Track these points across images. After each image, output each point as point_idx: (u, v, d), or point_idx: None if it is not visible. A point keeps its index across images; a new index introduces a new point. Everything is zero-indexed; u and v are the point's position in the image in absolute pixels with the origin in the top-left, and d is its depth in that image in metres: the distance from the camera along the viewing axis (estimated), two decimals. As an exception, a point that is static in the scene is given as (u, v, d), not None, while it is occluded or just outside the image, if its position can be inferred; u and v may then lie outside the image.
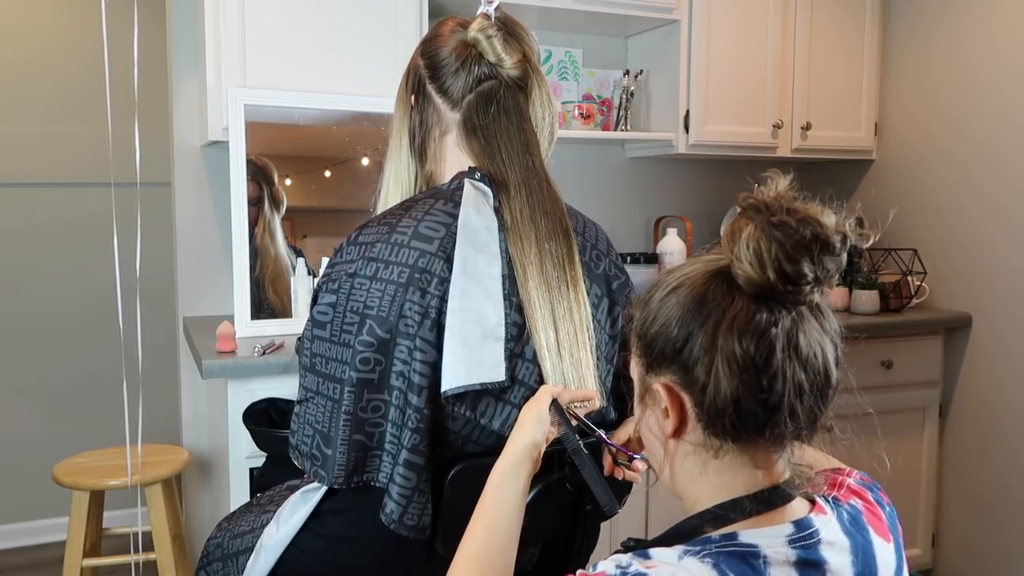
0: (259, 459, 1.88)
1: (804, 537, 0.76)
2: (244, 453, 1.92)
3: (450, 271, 1.07)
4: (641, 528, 2.43)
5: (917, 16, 2.92)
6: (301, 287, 2.21)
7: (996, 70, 2.67)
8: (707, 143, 2.75)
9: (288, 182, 2.28)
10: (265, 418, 1.63)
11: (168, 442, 2.49)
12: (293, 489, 1.29)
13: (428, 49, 1.19)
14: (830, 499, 0.82)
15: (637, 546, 0.79)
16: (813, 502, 0.81)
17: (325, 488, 1.15)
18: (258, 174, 2.19)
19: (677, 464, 0.82)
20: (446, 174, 1.19)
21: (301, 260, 2.24)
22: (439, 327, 1.05)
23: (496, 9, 1.17)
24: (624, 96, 2.77)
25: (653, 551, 0.76)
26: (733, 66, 2.76)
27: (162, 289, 2.89)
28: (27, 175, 3.16)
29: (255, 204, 2.17)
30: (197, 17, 2.33)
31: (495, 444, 1.10)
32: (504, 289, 1.08)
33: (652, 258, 2.74)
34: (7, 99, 3.12)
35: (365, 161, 2.34)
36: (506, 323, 1.08)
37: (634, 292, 1.28)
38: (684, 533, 0.79)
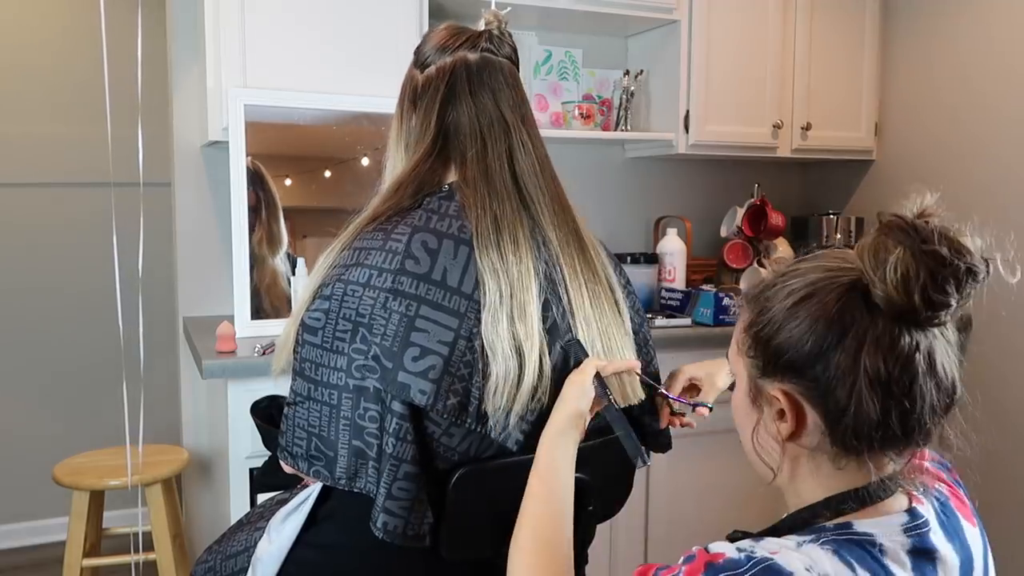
0: (259, 459, 1.88)
1: (918, 526, 0.78)
2: (244, 453, 1.92)
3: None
4: (641, 527, 2.43)
5: (917, 16, 2.92)
6: (301, 287, 2.21)
7: (996, 70, 2.67)
8: (707, 143, 2.75)
9: (288, 182, 2.28)
10: (267, 417, 1.62)
11: (168, 442, 2.49)
12: (282, 502, 1.28)
13: (417, 49, 1.20)
14: (921, 487, 0.83)
15: (745, 537, 0.80)
16: (909, 492, 0.82)
17: (316, 495, 1.15)
18: (253, 180, 2.18)
19: (791, 460, 0.83)
20: (442, 180, 1.18)
21: (301, 260, 2.24)
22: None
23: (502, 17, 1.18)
24: (624, 96, 2.77)
25: (767, 540, 0.77)
26: (733, 66, 2.76)
27: (162, 289, 2.89)
28: (27, 175, 3.16)
29: (252, 211, 2.17)
30: (197, 17, 2.33)
31: (494, 455, 1.10)
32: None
33: (652, 258, 2.74)
34: (7, 99, 3.12)
35: (365, 161, 2.34)
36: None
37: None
38: (797, 525, 0.81)
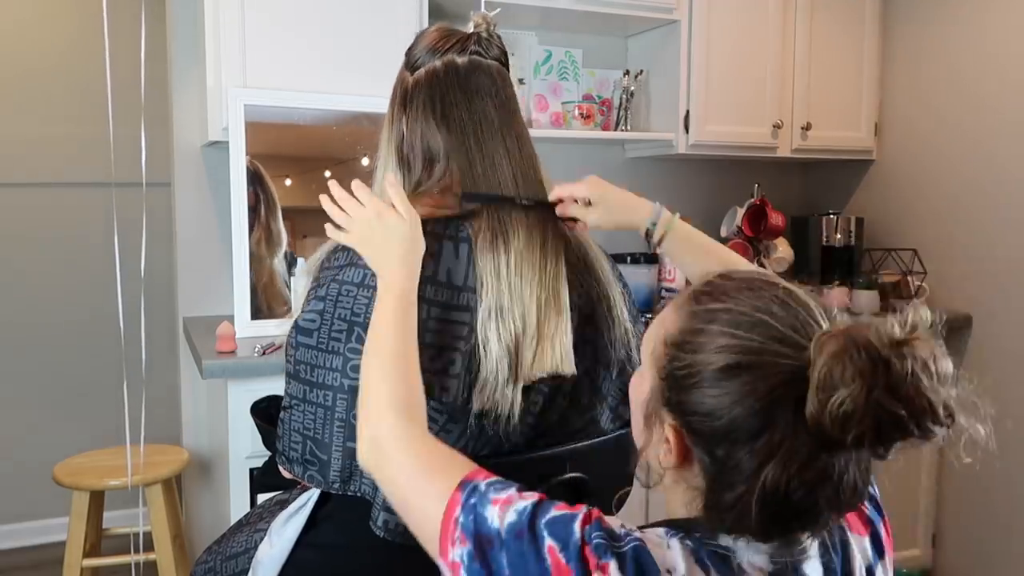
0: (259, 459, 1.88)
1: (789, 554, 0.74)
2: (244, 453, 1.92)
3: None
4: (641, 528, 2.44)
5: (917, 16, 2.92)
6: (301, 287, 2.20)
7: (996, 70, 2.67)
8: (707, 143, 2.75)
9: (288, 182, 2.28)
10: (267, 417, 1.62)
11: (168, 442, 2.49)
12: (282, 503, 1.28)
13: (408, 51, 1.20)
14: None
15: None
16: None
17: (316, 497, 1.15)
18: (252, 179, 2.18)
19: (670, 480, 0.79)
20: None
21: (301, 260, 2.24)
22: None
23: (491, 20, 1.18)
24: (624, 96, 2.77)
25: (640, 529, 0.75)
26: (733, 66, 2.76)
27: (162, 289, 2.89)
28: (28, 175, 3.16)
29: (251, 210, 2.17)
30: (197, 17, 2.33)
31: (490, 453, 1.10)
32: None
33: (652, 258, 2.74)
34: (8, 100, 3.12)
35: (365, 161, 2.34)
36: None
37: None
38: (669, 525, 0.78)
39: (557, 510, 0.73)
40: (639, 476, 0.83)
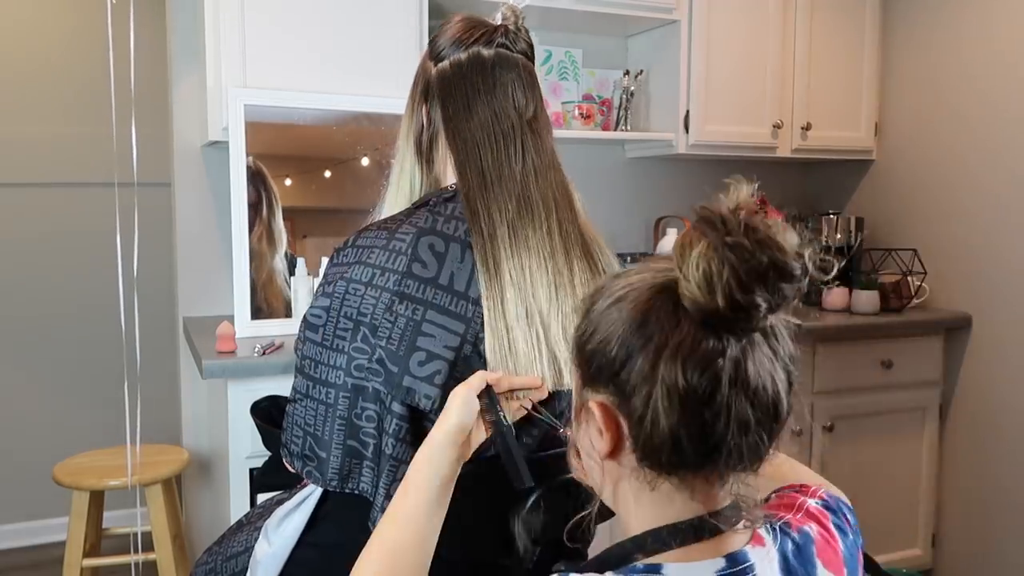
0: (259, 459, 1.88)
1: (736, 573, 0.71)
2: (244, 453, 1.92)
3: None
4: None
5: (917, 16, 2.92)
6: (301, 287, 2.21)
7: (996, 69, 2.67)
8: (707, 143, 2.75)
9: (288, 182, 2.28)
10: (267, 417, 1.62)
11: (168, 442, 2.49)
12: (281, 503, 1.28)
13: (432, 40, 1.18)
14: (777, 526, 0.76)
15: (567, 570, 0.75)
16: (753, 529, 0.75)
17: (318, 496, 1.15)
18: (254, 178, 2.19)
19: (612, 484, 0.77)
20: (449, 176, 1.18)
21: (301, 260, 2.24)
22: None
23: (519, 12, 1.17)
24: (624, 96, 2.77)
25: None
26: (733, 66, 2.76)
27: (162, 289, 2.89)
28: (29, 175, 3.16)
29: (252, 208, 2.17)
30: (197, 17, 2.33)
31: (493, 456, 1.09)
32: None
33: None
34: (9, 100, 3.12)
35: (365, 161, 2.34)
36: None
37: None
38: (613, 559, 0.75)
39: None
40: (591, 489, 0.81)
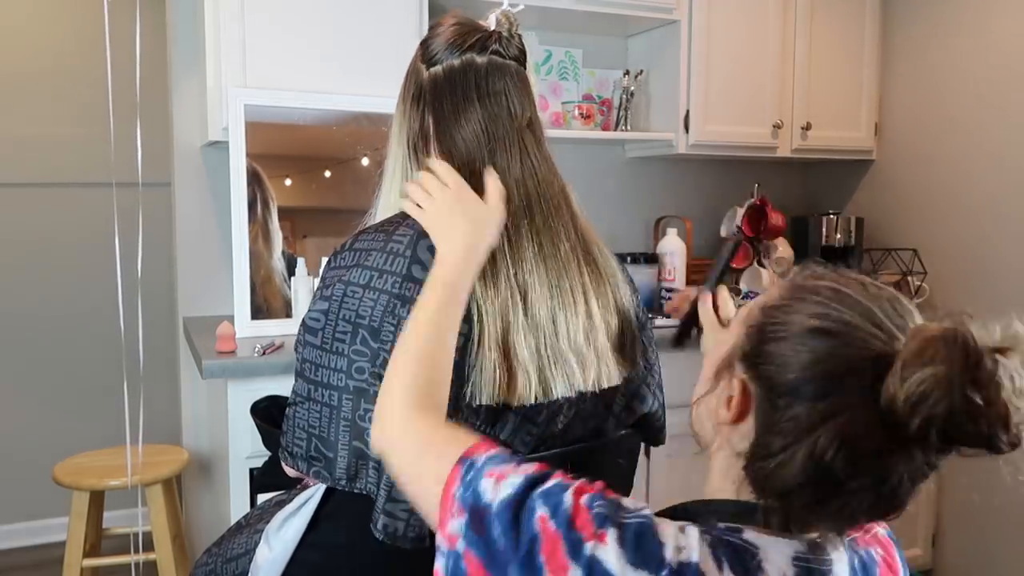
0: (259, 459, 1.88)
1: (815, 561, 0.71)
2: (244, 453, 1.92)
3: None
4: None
5: (917, 16, 2.92)
6: (301, 287, 2.21)
7: (996, 70, 2.67)
8: (707, 143, 2.75)
9: (288, 182, 2.28)
10: (267, 417, 1.62)
11: (168, 442, 2.49)
12: (281, 504, 1.28)
13: (424, 42, 1.18)
14: (847, 541, 0.76)
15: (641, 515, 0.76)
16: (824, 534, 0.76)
17: (318, 498, 1.15)
18: (251, 178, 2.18)
19: (715, 443, 0.80)
20: None
21: (301, 260, 2.24)
22: None
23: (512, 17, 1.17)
24: (624, 96, 2.77)
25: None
26: (733, 66, 2.76)
27: (162, 289, 2.89)
28: (28, 175, 3.16)
29: (249, 208, 2.17)
30: (197, 17, 2.33)
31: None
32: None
33: (652, 258, 2.74)
34: (9, 100, 3.12)
35: (365, 161, 2.34)
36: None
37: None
38: (690, 515, 0.76)
39: (555, 479, 0.74)
40: (695, 436, 0.84)
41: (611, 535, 0.68)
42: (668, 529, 0.70)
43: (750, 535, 0.71)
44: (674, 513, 0.77)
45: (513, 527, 0.70)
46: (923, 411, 0.64)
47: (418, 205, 1.06)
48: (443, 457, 0.78)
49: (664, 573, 0.66)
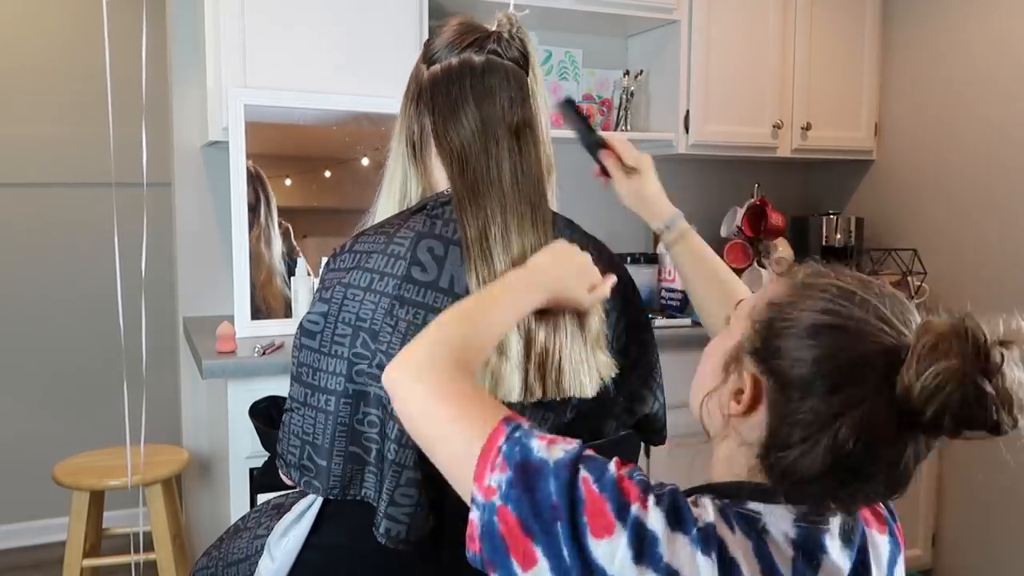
0: (259, 459, 1.88)
1: (814, 521, 0.77)
2: (244, 453, 1.92)
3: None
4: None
5: (917, 16, 2.92)
6: (301, 287, 2.21)
7: (996, 70, 2.67)
8: (707, 143, 2.75)
9: (288, 182, 2.28)
10: (266, 417, 1.62)
11: (168, 442, 2.49)
12: (278, 507, 1.27)
13: (427, 42, 1.18)
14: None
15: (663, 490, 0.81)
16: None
17: (318, 508, 1.14)
18: (251, 179, 2.18)
19: (722, 433, 0.83)
20: (442, 179, 1.17)
21: (301, 260, 2.24)
22: None
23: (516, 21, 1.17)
24: (624, 96, 2.77)
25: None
26: (733, 66, 2.76)
27: (162, 289, 2.89)
28: (28, 175, 3.16)
29: (250, 209, 2.17)
30: (197, 17, 2.33)
31: None
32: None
33: (652, 258, 2.74)
34: (9, 100, 3.12)
35: (365, 161, 2.34)
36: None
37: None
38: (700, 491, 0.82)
39: (597, 456, 0.79)
40: (704, 425, 0.87)
41: (652, 501, 0.74)
42: (687, 499, 0.77)
43: (752, 505, 0.78)
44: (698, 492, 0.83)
45: (568, 486, 0.74)
46: (938, 401, 0.68)
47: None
48: (487, 411, 0.81)
49: (694, 533, 0.73)
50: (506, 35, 1.15)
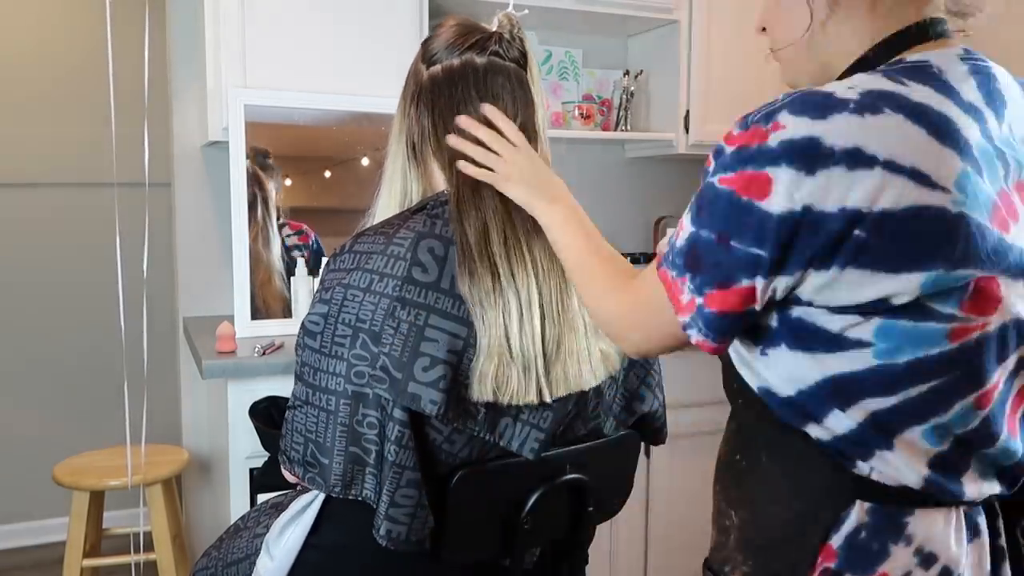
0: (259, 459, 1.88)
1: (977, 57, 0.80)
2: (244, 453, 1.92)
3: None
4: (641, 527, 2.43)
5: (917, 16, 2.92)
6: (301, 287, 2.21)
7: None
8: (707, 143, 2.75)
9: (288, 182, 2.28)
10: (266, 418, 1.62)
11: (168, 442, 2.49)
12: (277, 507, 1.27)
13: (425, 42, 1.18)
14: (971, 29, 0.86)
15: None
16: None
17: (319, 506, 1.14)
18: (250, 179, 2.18)
19: (822, 28, 0.85)
20: (442, 179, 1.18)
21: (301, 260, 2.24)
22: None
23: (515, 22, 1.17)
24: (624, 96, 2.77)
25: None
26: (733, 66, 2.76)
27: (162, 289, 2.89)
28: (29, 175, 3.16)
29: (249, 208, 2.17)
30: (197, 17, 2.33)
31: (497, 456, 1.09)
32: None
33: (652, 258, 2.74)
34: (9, 100, 3.12)
35: (365, 161, 2.34)
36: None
37: None
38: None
39: None
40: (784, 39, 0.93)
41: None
42: (831, 86, 0.76)
43: (912, 56, 0.79)
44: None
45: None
46: None
47: (487, 168, 1.09)
48: (652, 270, 0.87)
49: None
50: (507, 36, 1.15)
